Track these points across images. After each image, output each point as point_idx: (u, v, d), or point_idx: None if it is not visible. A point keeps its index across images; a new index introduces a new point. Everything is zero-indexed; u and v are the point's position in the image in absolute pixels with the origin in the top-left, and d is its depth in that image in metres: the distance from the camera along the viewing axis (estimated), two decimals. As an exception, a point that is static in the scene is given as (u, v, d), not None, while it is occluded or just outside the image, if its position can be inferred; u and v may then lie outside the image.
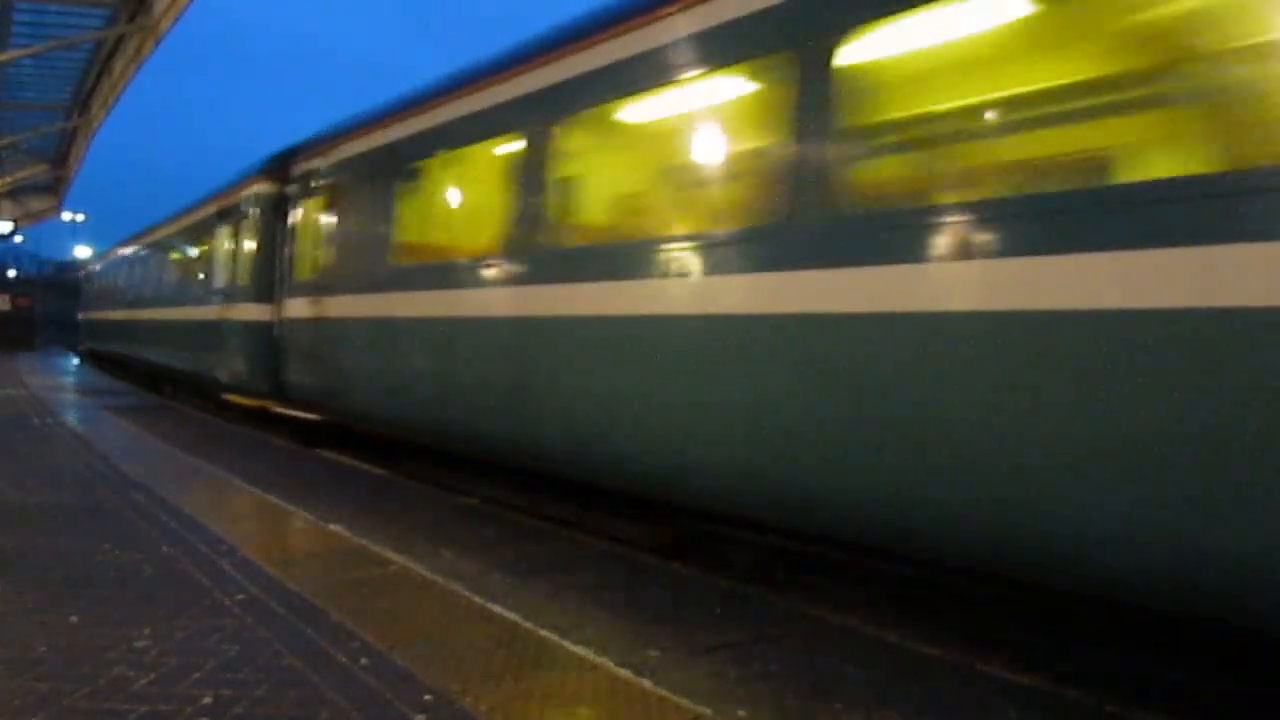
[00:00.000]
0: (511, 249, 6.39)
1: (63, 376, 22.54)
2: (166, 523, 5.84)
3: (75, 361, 30.89)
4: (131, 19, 15.61)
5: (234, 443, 10.63)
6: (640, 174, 6.28)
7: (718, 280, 4.79)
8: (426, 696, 3.19)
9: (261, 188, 11.27)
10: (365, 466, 9.18)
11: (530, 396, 6.07)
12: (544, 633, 3.93)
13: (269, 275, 10.91)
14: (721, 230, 5.06)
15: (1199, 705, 3.64)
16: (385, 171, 8.21)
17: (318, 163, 9.82)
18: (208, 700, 3.11)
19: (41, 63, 18.55)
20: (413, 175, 7.93)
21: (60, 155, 27.72)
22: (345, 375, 8.94)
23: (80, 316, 33.47)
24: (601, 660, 3.63)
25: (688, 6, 5.04)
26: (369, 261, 8.41)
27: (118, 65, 18.34)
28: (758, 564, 5.22)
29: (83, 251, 50.50)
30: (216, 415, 13.60)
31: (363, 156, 8.72)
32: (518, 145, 6.39)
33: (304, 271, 10.19)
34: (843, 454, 4.12)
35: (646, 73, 5.31)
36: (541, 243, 6.13)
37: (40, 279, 58.86)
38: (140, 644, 3.63)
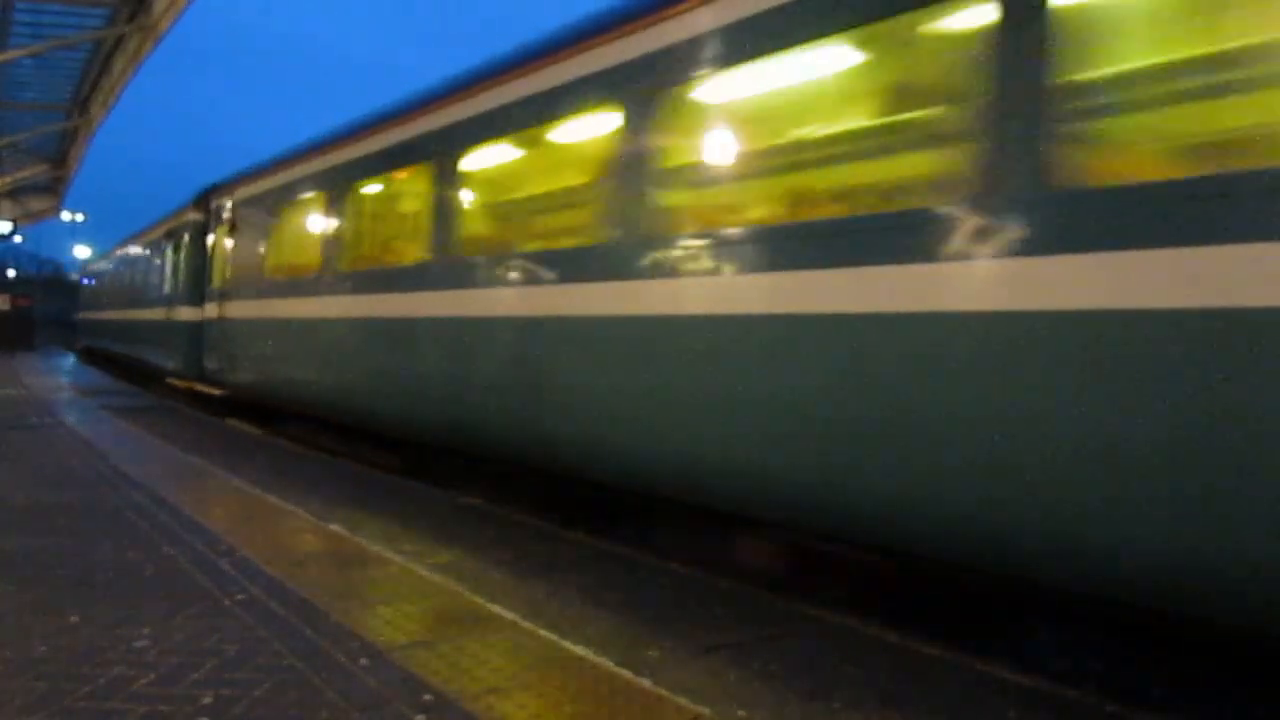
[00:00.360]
0: (321, 271, 9.61)
1: (62, 376, 22.53)
2: (166, 523, 5.84)
3: (74, 361, 30.90)
4: (131, 19, 15.61)
5: (234, 443, 10.64)
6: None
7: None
8: (426, 696, 3.19)
9: (192, 215, 14.69)
10: (365, 467, 9.18)
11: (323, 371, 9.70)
12: (544, 632, 3.93)
13: (199, 284, 14.19)
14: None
15: (1199, 705, 3.64)
16: (259, 210, 11.76)
17: (225, 199, 13.06)
18: (207, 700, 3.11)
19: (41, 63, 18.55)
20: (274, 214, 11.32)
21: (60, 155, 27.72)
22: (237, 360, 12.28)
23: (78, 316, 36.12)
24: (601, 660, 3.63)
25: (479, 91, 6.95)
26: (251, 276, 11.80)
27: (117, 65, 18.34)
28: (758, 564, 5.23)
29: (82, 252, 50.51)
30: (216, 416, 13.61)
31: (249, 198, 12.14)
32: (319, 199, 9.87)
33: (216, 282, 13.40)
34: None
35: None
36: (336, 268, 9.29)
37: (40, 279, 58.87)
38: (140, 644, 3.63)
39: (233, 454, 9.37)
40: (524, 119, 6.41)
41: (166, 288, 16.36)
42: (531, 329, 6.19)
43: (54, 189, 33.51)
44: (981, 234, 3.65)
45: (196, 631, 3.79)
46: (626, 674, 3.49)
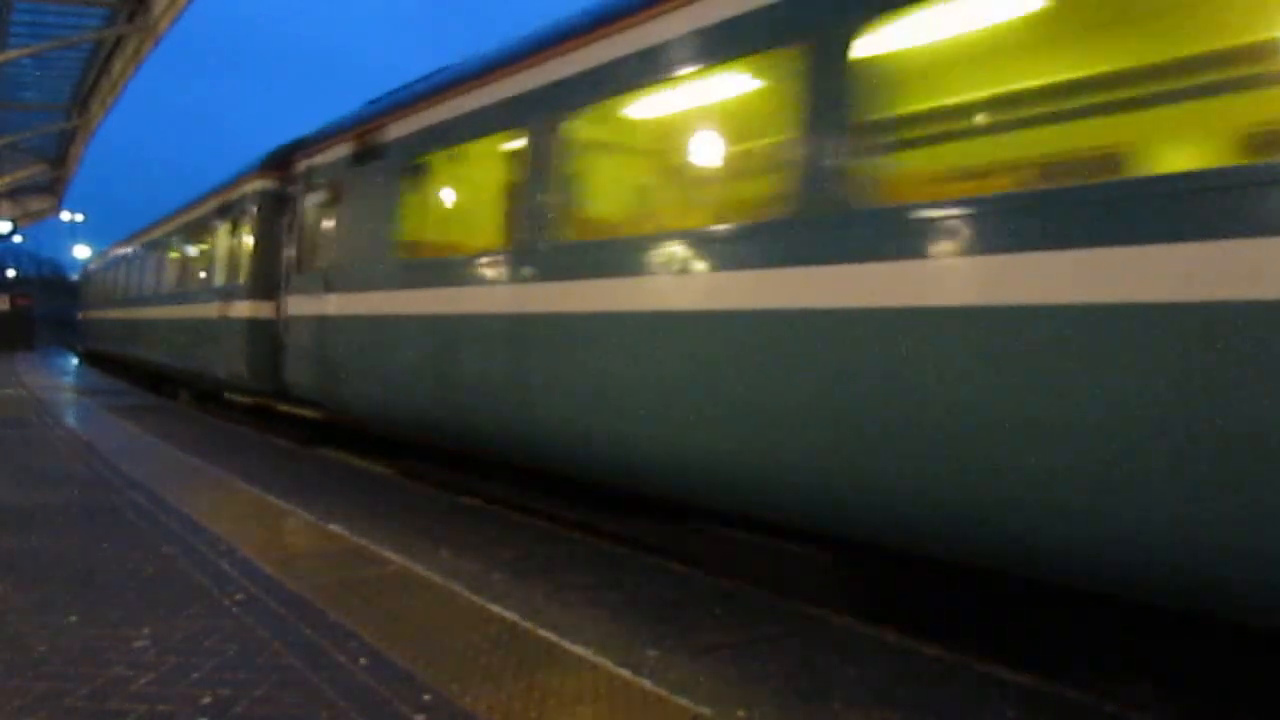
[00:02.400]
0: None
1: (62, 376, 22.53)
2: (166, 523, 5.84)
3: (73, 361, 30.89)
4: (131, 19, 15.62)
5: (234, 442, 10.63)
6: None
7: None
8: (426, 696, 3.19)
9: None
10: (365, 465, 9.17)
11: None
12: (544, 632, 3.93)
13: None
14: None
15: (1199, 705, 3.64)
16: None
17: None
18: (207, 700, 3.11)
19: (41, 63, 18.56)
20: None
21: (59, 155, 27.72)
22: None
23: (80, 316, 33.34)
24: (601, 660, 3.63)
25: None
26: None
27: (117, 65, 18.35)
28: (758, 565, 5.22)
29: (82, 251, 50.44)
30: (216, 415, 13.60)
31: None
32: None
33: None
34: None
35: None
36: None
37: (39, 280, 58.82)
38: (139, 644, 3.63)
39: (232, 454, 9.36)
40: None
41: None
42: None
43: (53, 189, 33.52)
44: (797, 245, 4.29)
45: (196, 631, 3.79)
46: (626, 674, 3.49)
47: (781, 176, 4.50)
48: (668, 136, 6.41)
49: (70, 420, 12.01)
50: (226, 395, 13.26)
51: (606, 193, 6.72)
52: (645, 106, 5.80)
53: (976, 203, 3.68)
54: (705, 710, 3.18)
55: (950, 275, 3.67)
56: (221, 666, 3.41)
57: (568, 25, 6.09)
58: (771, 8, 4.53)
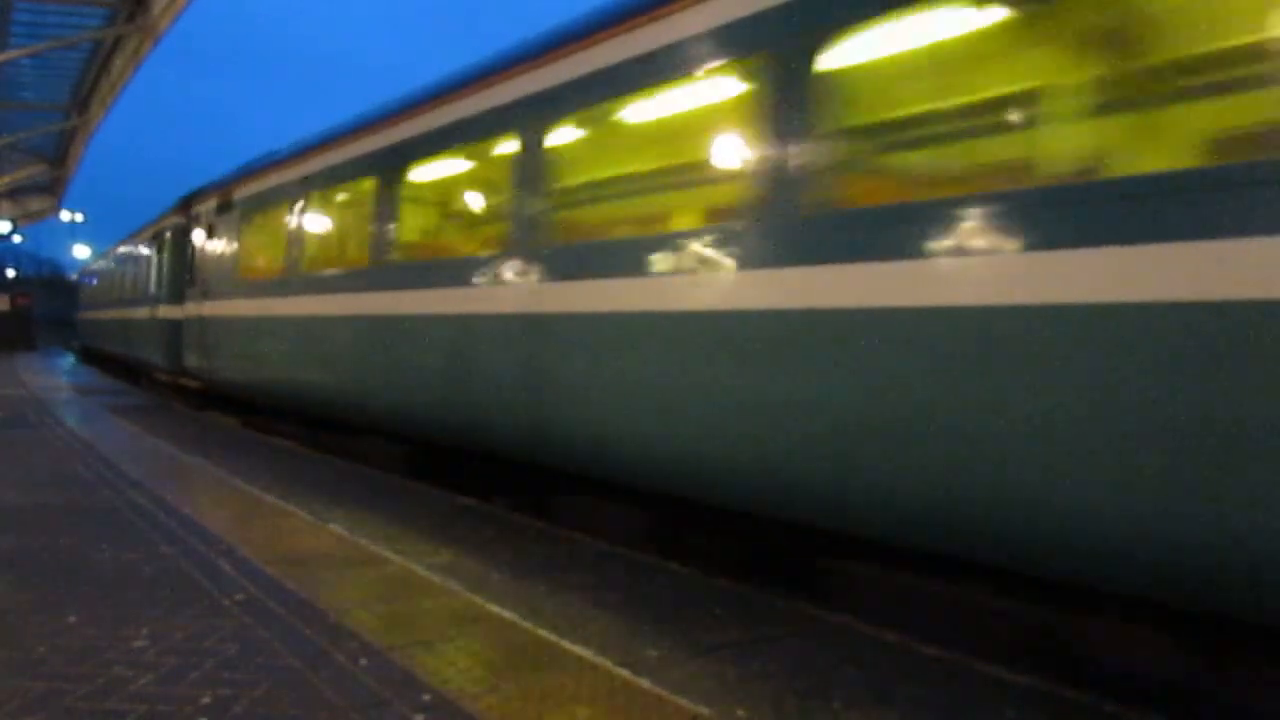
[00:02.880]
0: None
1: (61, 376, 22.52)
2: (165, 522, 5.84)
3: (73, 361, 30.89)
4: (130, 19, 15.62)
5: (233, 442, 10.63)
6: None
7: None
8: (425, 696, 3.18)
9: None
10: (364, 467, 9.17)
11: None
12: (543, 632, 3.93)
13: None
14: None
15: (1199, 705, 3.64)
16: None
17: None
18: (206, 700, 3.10)
19: (40, 62, 18.56)
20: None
21: (59, 155, 27.72)
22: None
23: (78, 316, 36.06)
24: (600, 660, 3.63)
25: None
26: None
27: (117, 65, 18.35)
28: (758, 565, 5.23)
29: (81, 251, 50.45)
30: (215, 415, 13.60)
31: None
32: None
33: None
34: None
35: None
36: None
37: (39, 279, 58.81)
38: (139, 644, 3.63)
39: (232, 453, 9.36)
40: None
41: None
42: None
43: (53, 189, 33.53)
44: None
45: (195, 631, 3.79)
46: (626, 674, 3.48)
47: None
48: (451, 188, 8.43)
49: (70, 420, 12.01)
50: (153, 374, 17.96)
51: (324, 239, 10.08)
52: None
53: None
54: (705, 710, 3.17)
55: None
56: (221, 666, 3.40)
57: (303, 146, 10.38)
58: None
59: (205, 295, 13.11)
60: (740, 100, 4.82)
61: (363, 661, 3.49)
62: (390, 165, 7.94)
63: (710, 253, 4.78)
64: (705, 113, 5.21)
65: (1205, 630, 3.59)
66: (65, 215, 44.36)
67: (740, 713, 3.30)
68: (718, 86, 5.01)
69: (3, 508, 6.19)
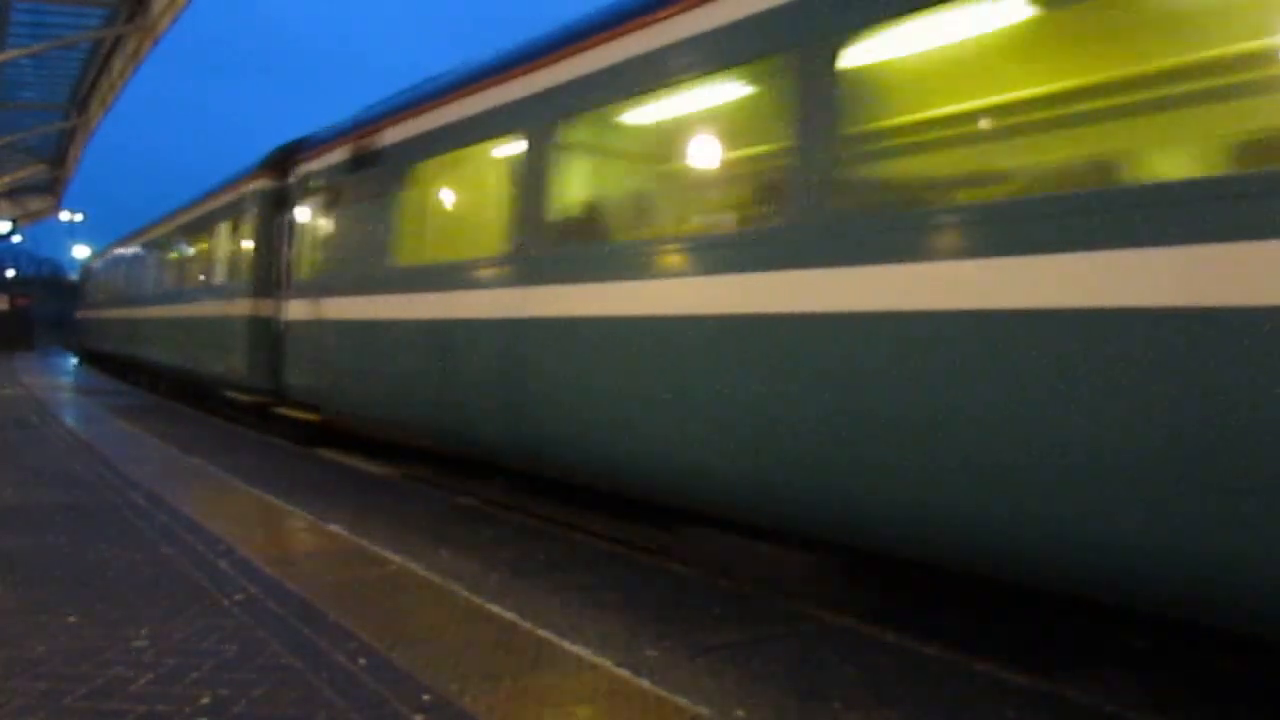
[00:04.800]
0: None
1: (61, 376, 22.52)
2: (165, 523, 5.83)
3: (72, 361, 30.87)
4: (130, 19, 15.60)
5: (232, 442, 10.63)
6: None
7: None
8: (425, 696, 3.18)
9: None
10: (364, 466, 9.17)
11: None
12: (543, 632, 3.93)
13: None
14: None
15: (1198, 705, 3.64)
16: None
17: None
18: (206, 700, 3.10)
19: (40, 62, 18.52)
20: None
21: (58, 155, 27.70)
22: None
23: (78, 315, 34.49)
24: (600, 660, 3.63)
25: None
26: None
27: (116, 65, 18.33)
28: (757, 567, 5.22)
29: (81, 251, 50.40)
30: (214, 415, 13.59)
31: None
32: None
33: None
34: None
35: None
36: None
37: (39, 280, 58.75)
38: (138, 644, 3.63)
39: (231, 453, 9.36)
40: None
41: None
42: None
43: (52, 189, 33.49)
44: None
45: (195, 632, 3.79)
46: (626, 674, 3.48)
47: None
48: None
49: (69, 420, 12.01)
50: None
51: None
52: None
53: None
54: (703, 710, 3.17)
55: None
56: (221, 666, 3.40)
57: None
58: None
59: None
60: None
61: (362, 661, 3.49)
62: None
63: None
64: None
65: (1205, 631, 3.59)
66: (65, 215, 44.34)
67: (740, 713, 3.30)
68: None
69: (3, 508, 6.19)
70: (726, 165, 5.75)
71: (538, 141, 6.23)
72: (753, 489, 4.59)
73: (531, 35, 6.81)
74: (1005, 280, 3.50)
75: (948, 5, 3.85)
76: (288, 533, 5.80)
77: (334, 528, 5.88)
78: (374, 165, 8.40)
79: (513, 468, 6.78)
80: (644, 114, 5.89)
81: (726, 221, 5.35)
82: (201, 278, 14.79)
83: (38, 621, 3.87)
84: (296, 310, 10.12)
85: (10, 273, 58.55)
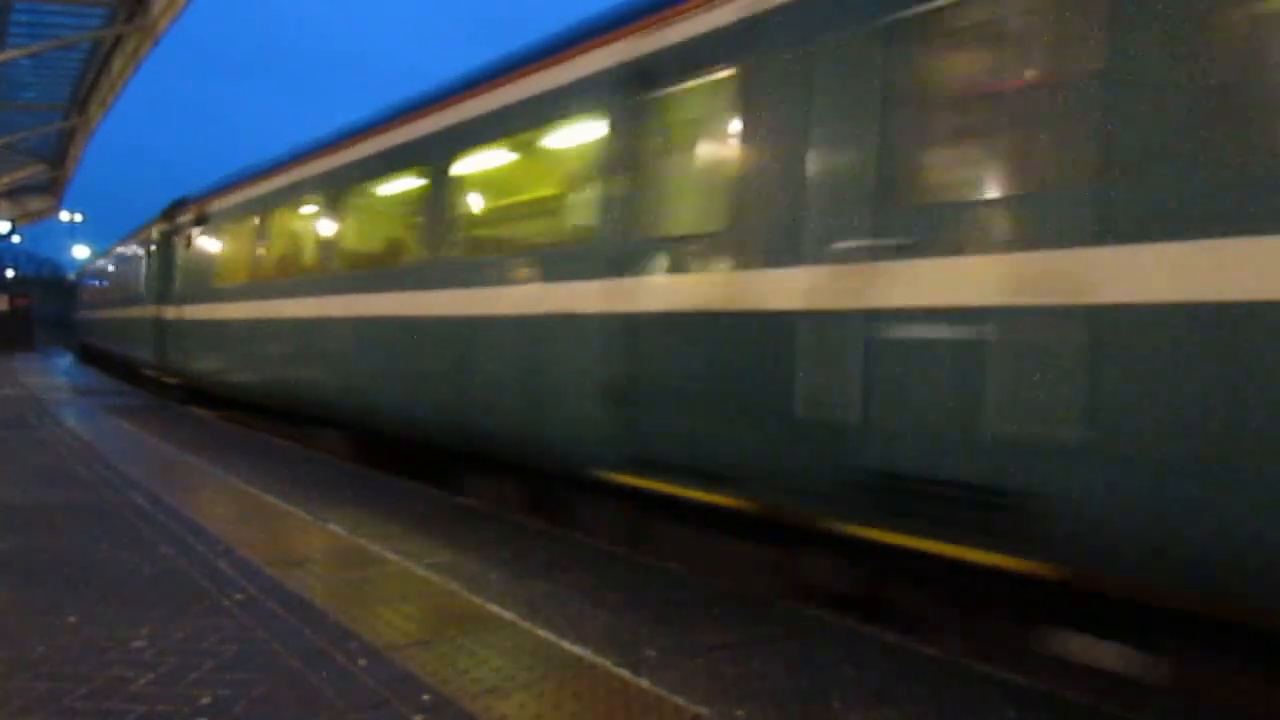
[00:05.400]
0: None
1: (60, 376, 22.51)
2: (165, 523, 5.83)
3: (72, 361, 30.89)
4: (129, 19, 15.62)
5: (232, 442, 10.63)
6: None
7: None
8: (425, 697, 3.18)
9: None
10: (363, 468, 9.17)
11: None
12: (542, 632, 3.93)
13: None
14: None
15: (1198, 706, 3.64)
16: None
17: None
18: (206, 700, 3.10)
19: (39, 63, 18.54)
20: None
21: (58, 155, 27.70)
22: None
23: (77, 315, 36.70)
24: (600, 660, 3.63)
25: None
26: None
27: (116, 65, 18.34)
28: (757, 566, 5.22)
29: (81, 251, 50.40)
30: (213, 415, 13.60)
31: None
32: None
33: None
34: None
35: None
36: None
37: (38, 280, 58.76)
38: (138, 644, 3.63)
39: (231, 453, 9.36)
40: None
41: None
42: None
43: (52, 189, 33.50)
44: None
45: (195, 632, 3.79)
46: (625, 674, 3.49)
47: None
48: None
49: (69, 420, 12.01)
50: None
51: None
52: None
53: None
54: (703, 710, 3.18)
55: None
56: (221, 667, 3.40)
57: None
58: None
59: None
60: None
61: (362, 661, 3.49)
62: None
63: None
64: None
65: (1205, 631, 3.58)
66: (64, 215, 44.35)
67: (739, 713, 3.30)
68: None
69: (3, 507, 6.19)
70: (399, 226, 8.79)
71: (264, 218, 11.55)
72: (388, 409, 8.22)
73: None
74: (493, 299, 6.52)
75: (485, 148, 6.90)
76: (288, 533, 5.80)
77: (334, 527, 5.88)
78: (208, 221, 13.65)
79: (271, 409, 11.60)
80: (310, 209, 10.23)
81: (396, 259, 8.65)
82: (132, 290, 20.49)
83: (38, 621, 3.87)
84: (173, 314, 15.09)
85: (10, 273, 58.55)
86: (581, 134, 5.88)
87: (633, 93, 5.30)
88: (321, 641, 3.70)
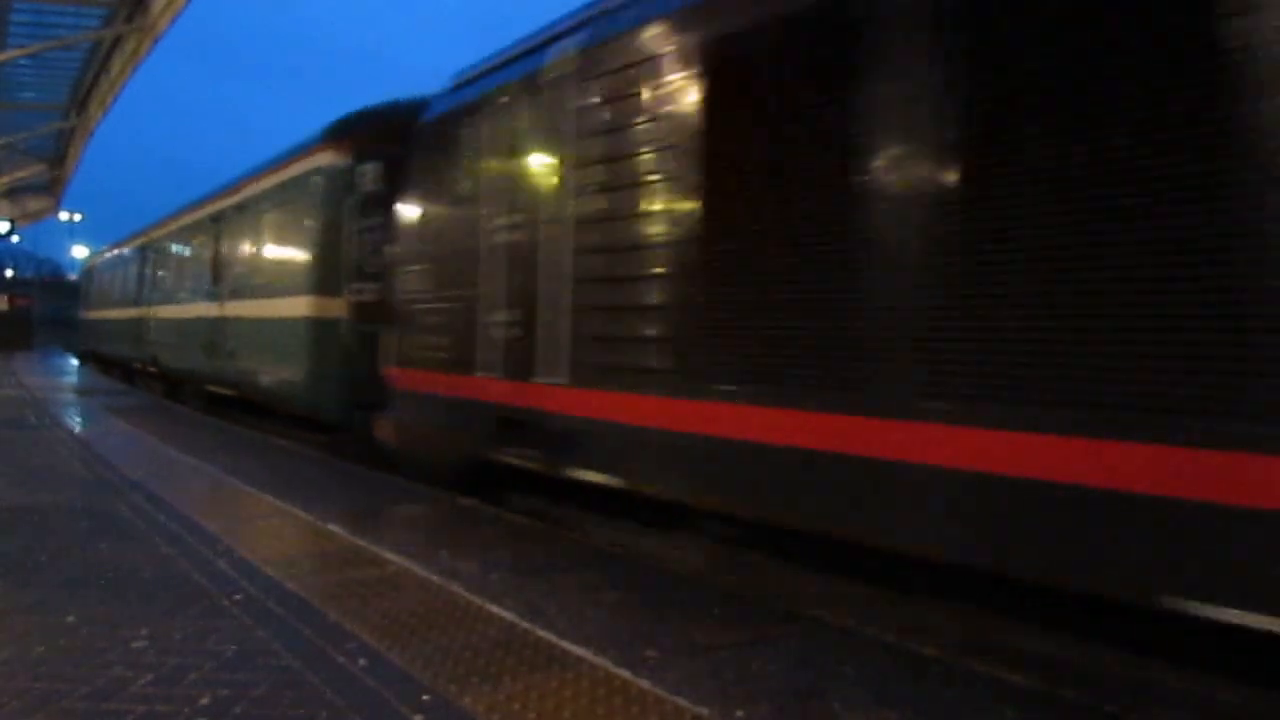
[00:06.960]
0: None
1: (60, 376, 22.53)
2: (165, 523, 5.83)
3: (72, 361, 30.91)
4: (129, 19, 15.63)
5: (232, 443, 10.63)
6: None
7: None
8: (424, 697, 3.18)
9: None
10: (362, 468, 9.17)
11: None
12: (542, 633, 3.93)
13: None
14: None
15: (1198, 706, 3.64)
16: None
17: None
18: (206, 701, 3.10)
19: (39, 63, 18.55)
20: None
21: (58, 155, 27.71)
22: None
23: (81, 316, 36.37)
24: (600, 660, 3.63)
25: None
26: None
27: (115, 65, 18.35)
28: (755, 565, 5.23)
29: (80, 251, 50.38)
30: (213, 415, 13.60)
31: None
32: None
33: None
34: None
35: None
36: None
37: (38, 280, 58.79)
38: (138, 644, 3.63)
39: (230, 454, 9.36)
40: None
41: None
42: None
43: (52, 189, 33.50)
44: None
45: (195, 632, 3.79)
46: (625, 674, 3.48)
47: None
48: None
49: (69, 420, 12.01)
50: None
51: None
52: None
53: None
54: (703, 710, 3.18)
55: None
56: (221, 667, 3.40)
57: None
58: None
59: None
60: None
61: (362, 661, 3.49)
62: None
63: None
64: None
65: (1206, 631, 3.59)
66: (64, 215, 44.34)
67: (739, 713, 3.30)
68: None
69: (2, 507, 6.19)
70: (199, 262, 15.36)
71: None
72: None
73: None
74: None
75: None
76: (287, 533, 5.80)
77: (333, 527, 5.87)
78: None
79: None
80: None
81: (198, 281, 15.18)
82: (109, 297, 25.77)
83: (37, 621, 3.87)
84: (91, 315, 25.35)
85: (9, 273, 58.58)
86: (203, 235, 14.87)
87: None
88: (321, 641, 3.70)
